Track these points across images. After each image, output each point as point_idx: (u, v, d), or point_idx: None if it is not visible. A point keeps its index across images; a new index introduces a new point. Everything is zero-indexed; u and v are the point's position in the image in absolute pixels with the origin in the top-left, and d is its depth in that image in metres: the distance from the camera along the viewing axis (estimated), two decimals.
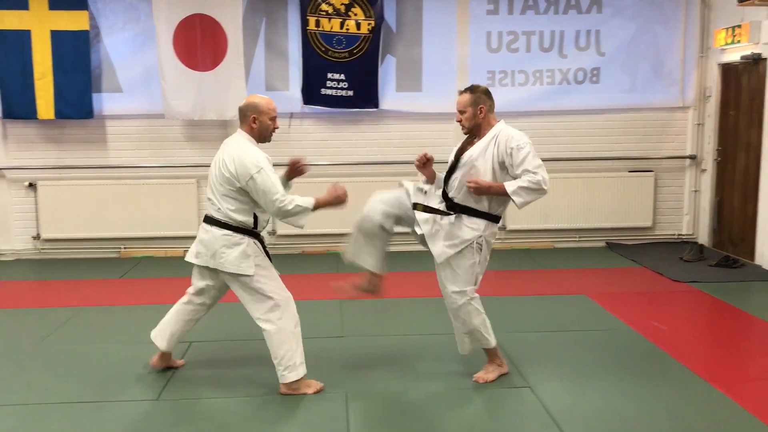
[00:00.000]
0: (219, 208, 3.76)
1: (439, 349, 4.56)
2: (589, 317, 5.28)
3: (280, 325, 3.77)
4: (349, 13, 7.02)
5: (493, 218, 3.92)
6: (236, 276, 3.77)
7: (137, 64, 7.20)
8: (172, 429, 3.49)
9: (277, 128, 3.98)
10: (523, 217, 7.65)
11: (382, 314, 5.36)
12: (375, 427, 3.47)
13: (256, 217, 3.81)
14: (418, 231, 3.99)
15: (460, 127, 3.98)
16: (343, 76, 7.15)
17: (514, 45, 7.43)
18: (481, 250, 3.88)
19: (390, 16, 7.25)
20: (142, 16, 7.11)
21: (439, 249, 3.89)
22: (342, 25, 7.05)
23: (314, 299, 5.75)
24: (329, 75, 7.15)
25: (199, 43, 6.96)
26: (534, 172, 3.74)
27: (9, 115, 7.01)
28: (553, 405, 3.69)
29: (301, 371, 3.80)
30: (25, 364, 4.33)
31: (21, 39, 6.85)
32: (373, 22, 7.05)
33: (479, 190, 3.80)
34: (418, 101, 7.42)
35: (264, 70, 7.30)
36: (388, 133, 7.47)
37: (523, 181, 3.75)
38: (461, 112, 3.91)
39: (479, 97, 3.87)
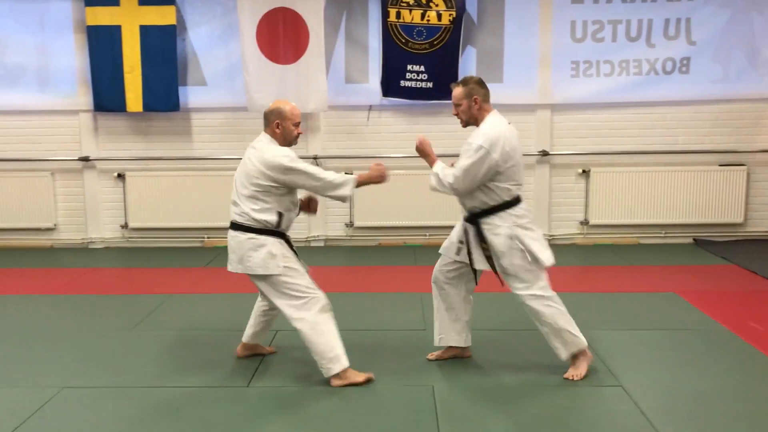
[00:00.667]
0: (242, 212, 3.81)
1: (523, 343, 4.48)
2: (680, 316, 5.08)
3: (313, 321, 3.77)
4: (431, 4, 6.96)
5: (508, 205, 3.84)
6: (265, 277, 3.79)
7: (221, 57, 7.35)
8: (262, 417, 3.54)
9: (300, 134, 4.02)
10: (607, 211, 7.48)
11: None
12: (464, 421, 3.42)
13: (281, 216, 3.83)
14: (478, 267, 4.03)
15: (459, 120, 3.98)
16: (422, 68, 7.11)
17: (599, 34, 7.21)
18: (521, 242, 3.79)
19: (471, 6, 7.15)
20: (226, 10, 7.25)
21: (483, 264, 3.95)
22: (423, 16, 7.00)
23: (392, 292, 5.77)
24: (409, 67, 7.12)
25: (282, 36, 7.04)
26: (454, 172, 3.79)
27: (100, 108, 7.27)
28: (647, 405, 3.56)
29: (344, 361, 3.80)
30: (119, 348, 4.47)
31: (112, 34, 7.08)
32: (454, 13, 6.97)
33: (418, 149, 4.04)
34: (499, 92, 7.21)
35: (344, 62, 7.34)
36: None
37: (444, 171, 3.85)
38: (456, 105, 3.92)
39: (472, 89, 3.87)
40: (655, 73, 7.23)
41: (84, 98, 7.36)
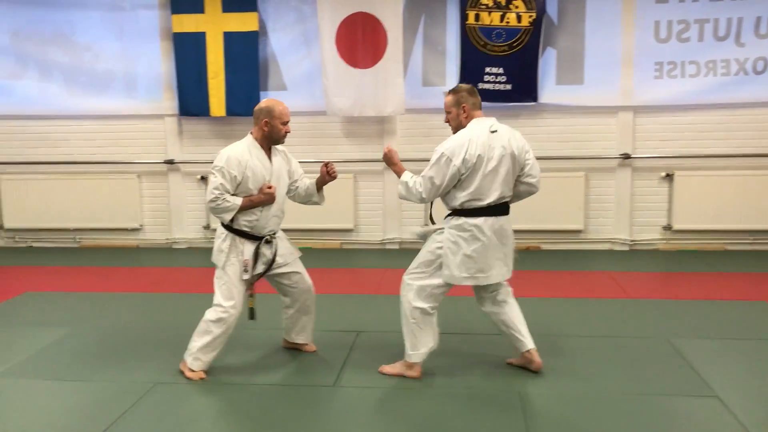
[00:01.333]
0: None
1: (611, 350, 4.39)
2: None
3: (207, 321, 3.98)
4: (510, 6, 6.90)
5: (457, 212, 3.89)
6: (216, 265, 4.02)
7: (301, 62, 7.48)
8: (349, 415, 3.58)
9: (288, 132, 4.04)
10: (692, 216, 7.25)
11: (547, 312, 5.23)
12: (554, 429, 3.37)
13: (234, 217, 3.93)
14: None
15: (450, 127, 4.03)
16: (501, 70, 7.05)
17: (684, 34, 7.00)
18: (453, 242, 3.86)
19: (551, 7, 7.06)
20: (306, 16, 7.37)
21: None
22: (502, 18, 6.94)
23: (466, 296, 5.72)
24: (487, 69, 7.08)
25: (360, 40, 7.11)
26: (420, 178, 3.89)
27: (184, 112, 7.50)
28: (747, 419, 3.42)
29: (195, 365, 3.97)
30: None
31: (197, 41, 7.30)
32: (534, 15, 6.89)
33: (385, 158, 4.16)
34: (580, 94, 7.18)
35: (421, 66, 7.35)
36: (547, 127, 7.29)
37: (413, 179, 3.93)
38: (447, 113, 4.04)
39: (461, 97, 3.96)
40: (744, 74, 6.96)
41: (169, 103, 7.62)
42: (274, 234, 4.09)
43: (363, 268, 6.81)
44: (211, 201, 3.88)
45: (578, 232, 7.42)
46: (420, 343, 3.95)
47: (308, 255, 7.32)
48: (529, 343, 4.04)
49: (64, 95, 7.75)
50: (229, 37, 7.26)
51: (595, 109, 7.20)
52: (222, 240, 4.00)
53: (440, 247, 3.93)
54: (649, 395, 3.73)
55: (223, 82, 7.32)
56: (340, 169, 7.39)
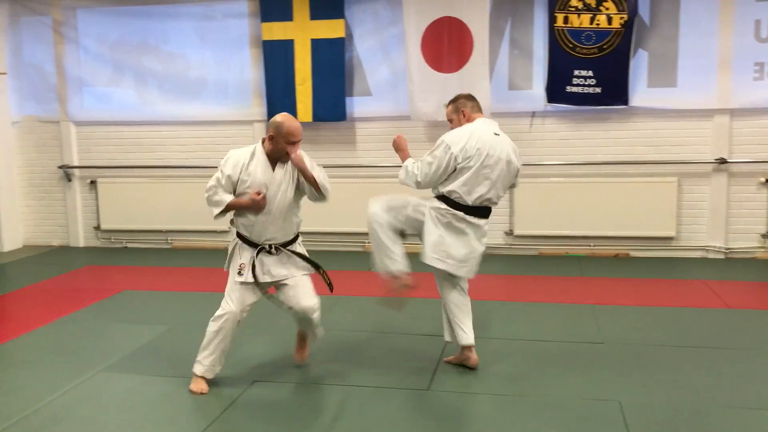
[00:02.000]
0: None
1: (717, 361, 4.22)
2: None
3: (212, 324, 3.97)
4: (600, 8, 6.75)
5: (440, 198, 4.02)
6: None
7: (386, 67, 7.53)
8: (442, 421, 3.57)
9: (289, 154, 3.91)
10: None
11: (640, 321, 5.08)
12: None
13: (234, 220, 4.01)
14: None
15: None
16: (590, 73, 6.91)
17: None
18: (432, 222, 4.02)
19: (644, 8, 6.86)
20: (391, 21, 7.41)
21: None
22: (592, 20, 6.80)
23: (559, 302, 5.62)
24: (576, 72, 6.94)
25: (446, 45, 7.10)
26: (419, 162, 4.02)
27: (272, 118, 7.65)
28: None
29: (198, 370, 3.96)
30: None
31: (285, 48, 7.45)
32: (625, 16, 6.71)
33: (394, 144, 4.38)
34: (673, 97, 6.95)
35: (507, 69, 7.28)
36: (638, 131, 7.08)
37: (412, 164, 4.08)
38: (449, 121, 4.17)
39: (460, 103, 4.13)
40: None
41: (258, 109, 7.80)
42: (279, 245, 3.98)
43: None
44: (206, 191, 4.02)
45: (670, 239, 7.18)
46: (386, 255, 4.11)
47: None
48: (469, 338, 4.09)
49: (158, 102, 8.06)
50: (317, 44, 7.38)
51: (688, 113, 6.95)
52: (231, 243, 4.10)
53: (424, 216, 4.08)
54: (761, 409, 3.56)
55: (310, 88, 7.45)
56: None
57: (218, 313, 3.96)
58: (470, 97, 4.17)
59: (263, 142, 3.98)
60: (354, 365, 4.31)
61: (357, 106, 7.61)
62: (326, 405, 3.78)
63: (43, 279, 6.76)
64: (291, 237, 4.06)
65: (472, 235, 4.01)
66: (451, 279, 4.14)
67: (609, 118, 7.12)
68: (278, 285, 4.03)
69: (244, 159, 3.94)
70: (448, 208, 3.98)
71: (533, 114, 7.27)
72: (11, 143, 8.29)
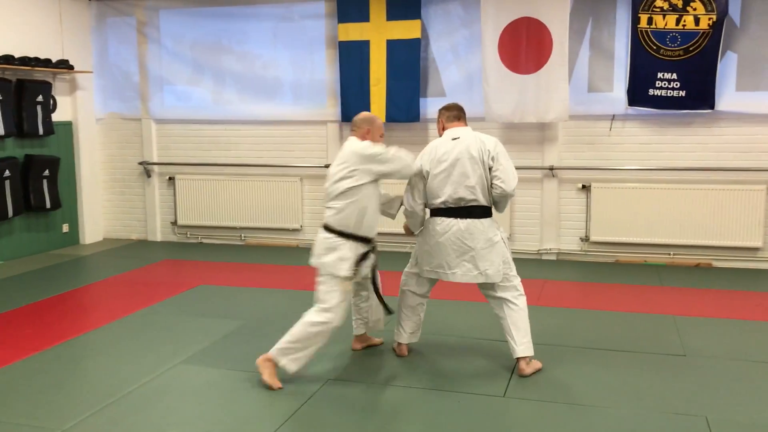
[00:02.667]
0: (327, 215, 4.04)
1: None
2: None
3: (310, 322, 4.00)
4: (687, 9, 6.52)
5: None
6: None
7: (461, 68, 7.47)
8: (517, 428, 3.49)
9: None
10: None
11: (727, 334, 4.87)
12: None
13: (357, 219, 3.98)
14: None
15: None
16: (674, 76, 6.67)
17: None
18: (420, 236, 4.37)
19: (734, 9, 6.59)
20: (468, 22, 7.34)
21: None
22: (678, 21, 6.57)
23: (638, 312, 5.44)
24: (659, 74, 6.71)
25: (524, 46, 6.98)
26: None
27: (346, 118, 7.69)
28: None
29: (291, 367, 3.96)
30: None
31: (361, 49, 7.48)
32: (714, 17, 6.46)
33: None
34: (763, 101, 6.65)
35: (587, 71, 7.11)
36: (724, 136, 6.80)
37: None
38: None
39: (439, 113, 4.40)
40: None
41: (332, 109, 7.85)
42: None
43: (520, 278, 6.65)
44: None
45: (756, 249, 6.87)
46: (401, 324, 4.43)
47: None
48: (518, 351, 4.10)
49: (235, 101, 8.22)
50: (392, 45, 7.38)
51: None
52: (329, 242, 4.09)
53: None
54: None
55: (385, 89, 7.45)
56: None
57: (322, 319, 3.96)
58: (450, 107, 4.38)
59: (365, 137, 4.14)
60: (426, 368, 4.28)
61: (431, 106, 7.55)
62: (400, 407, 3.76)
63: (122, 272, 6.98)
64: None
65: (450, 239, 4.09)
66: (485, 289, 4.25)
67: (693, 123, 6.86)
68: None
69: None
70: (428, 217, 4.27)
71: (613, 117, 7.08)
72: (95, 139, 8.60)
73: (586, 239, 7.32)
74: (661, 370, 4.19)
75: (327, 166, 7.93)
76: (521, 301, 4.17)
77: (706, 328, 5.00)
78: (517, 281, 4.21)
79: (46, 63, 7.62)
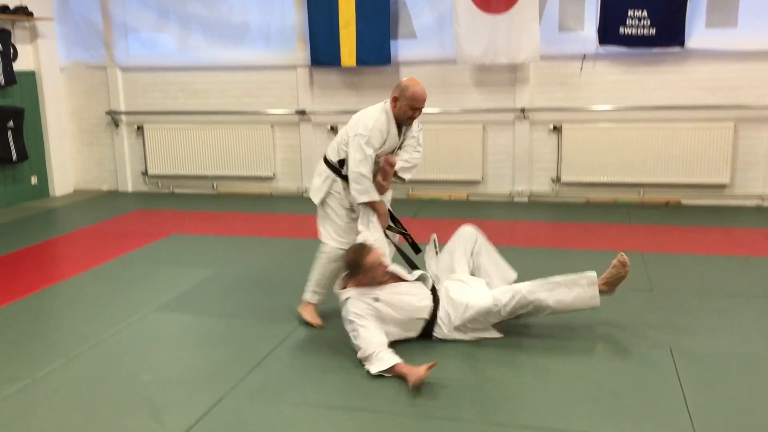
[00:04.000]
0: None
1: (755, 310, 4.13)
2: None
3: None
4: None
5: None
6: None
7: (432, 10, 7.34)
8: (493, 371, 3.56)
9: (413, 118, 3.88)
10: None
11: (693, 269, 4.98)
12: (708, 387, 3.22)
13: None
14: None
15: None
16: (645, 13, 6.63)
17: None
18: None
19: None
20: None
21: None
22: None
23: (608, 250, 5.52)
24: (630, 12, 6.67)
25: None
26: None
27: (316, 62, 7.58)
28: None
29: (308, 297, 4.08)
30: None
31: None
32: None
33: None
34: (732, 38, 6.65)
35: (558, 10, 7.04)
36: (694, 74, 6.82)
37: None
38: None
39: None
40: None
41: (301, 54, 7.71)
42: None
43: (491, 220, 6.71)
44: (352, 178, 3.87)
45: (723, 186, 6.97)
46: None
47: (434, 206, 7.36)
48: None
49: (202, 47, 8.03)
50: None
51: (749, 54, 6.64)
52: (328, 180, 4.08)
53: None
54: None
55: (354, 31, 7.32)
56: (469, 119, 7.40)
57: (321, 250, 4.05)
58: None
59: (391, 103, 3.87)
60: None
61: (401, 49, 7.47)
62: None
63: (93, 223, 6.92)
64: None
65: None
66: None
67: (664, 61, 6.86)
68: None
69: (384, 124, 3.87)
70: None
71: (584, 57, 7.05)
72: (60, 89, 8.40)
73: (557, 180, 7.37)
74: (628, 305, 4.27)
75: (298, 112, 7.85)
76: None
77: (672, 264, 5.11)
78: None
79: (4, 10, 7.38)
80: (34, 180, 8.16)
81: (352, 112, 7.51)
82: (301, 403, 3.17)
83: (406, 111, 3.83)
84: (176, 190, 8.46)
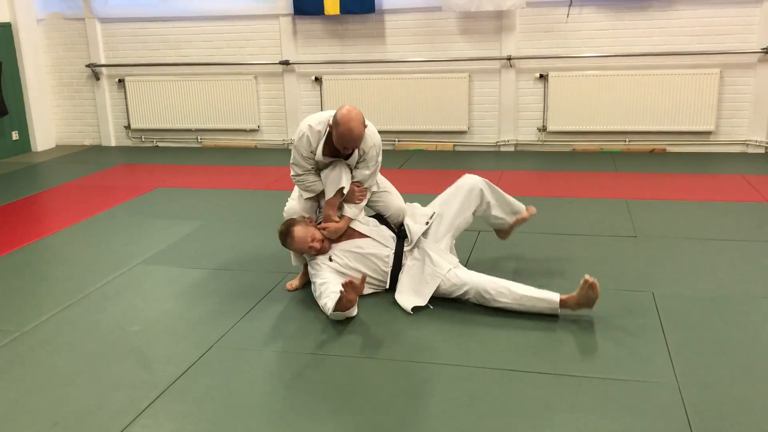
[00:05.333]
0: None
1: (754, 253, 4.19)
2: None
3: None
4: None
5: None
6: None
7: None
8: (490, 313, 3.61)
9: (348, 154, 3.65)
10: None
11: (676, 215, 5.02)
12: (689, 327, 3.28)
13: None
14: None
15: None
16: None
17: None
18: None
19: None
20: None
21: None
22: None
23: (593, 197, 5.57)
24: None
25: None
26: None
27: (299, 11, 7.44)
28: None
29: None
30: None
31: None
32: None
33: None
34: None
35: None
36: (680, 20, 6.76)
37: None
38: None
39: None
40: None
41: (284, 2, 7.56)
42: None
43: (478, 170, 6.68)
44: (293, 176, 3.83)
45: (708, 133, 6.99)
46: None
47: (420, 157, 7.34)
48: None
49: None
50: None
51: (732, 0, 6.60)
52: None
53: None
54: None
55: None
56: (454, 68, 7.33)
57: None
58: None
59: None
60: None
61: None
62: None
63: (77, 177, 6.86)
64: None
65: None
66: None
67: (650, 7, 6.79)
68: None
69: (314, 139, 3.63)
70: None
71: (570, 3, 6.96)
72: (38, 41, 8.22)
73: (543, 129, 7.35)
74: (612, 251, 4.33)
75: (282, 63, 7.74)
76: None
77: (656, 211, 5.15)
78: None
79: None
80: (15, 135, 8.05)
81: (337, 62, 7.62)
82: (289, 351, 3.20)
83: (338, 143, 3.55)
84: (160, 144, 8.38)
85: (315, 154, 3.64)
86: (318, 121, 3.65)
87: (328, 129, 3.58)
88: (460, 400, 2.74)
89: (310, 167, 3.71)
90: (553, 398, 2.73)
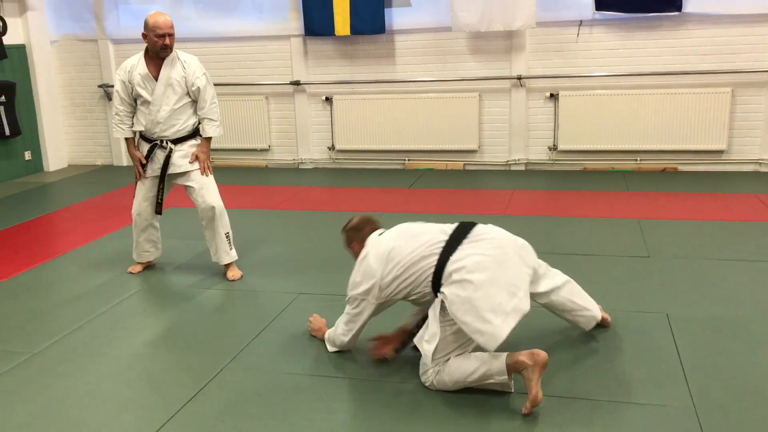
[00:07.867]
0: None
1: (750, 274, 4.14)
2: None
3: None
4: None
5: None
6: None
7: None
8: None
9: (166, 45, 4.19)
10: None
11: (689, 235, 4.98)
12: (703, 349, 3.23)
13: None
14: None
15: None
16: None
17: None
18: None
19: None
20: None
21: None
22: None
23: (605, 217, 5.53)
24: None
25: None
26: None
27: (310, 32, 7.49)
28: None
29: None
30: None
31: None
32: None
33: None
34: (730, 2, 6.58)
35: None
36: (691, 39, 6.75)
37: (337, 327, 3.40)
38: (171, 35, 4.26)
39: (350, 237, 3.34)
40: None
41: (295, 23, 7.62)
42: (167, 141, 4.39)
43: (488, 189, 6.70)
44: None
45: (720, 152, 6.95)
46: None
47: (431, 176, 7.33)
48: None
49: (194, 18, 7.93)
50: None
51: (747, 18, 6.58)
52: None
53: None
54: None
55: (348, 0, 7.22)
56: (465, 88, 7.34)
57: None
58: (357, 227, 3.31)
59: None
60: None
61: (396, 17, 7.39)
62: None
63: (89, 197, 6.89)
64: (183, 134, 4.43)
65: None
66: None
67: (660, 26, 6.79)
68: (185, 187, 4.51)
69: (132, 64, 4.29)
70: None
71: (581, 23, 6.97)
72: (51, 62, 8.31)
73: (554, 148, 7.34)
74: (625, 272, 4.29)
75: (293, 83, 7.78)
76: None
77: (669, 230, 5.11)
78: None
79: None
80: (27, 155, 8.11)
81: (348, 82, 7.65)
82: (302, 373, 3.18)
83: (155, 41, 4.15)
84: None
85: (132, 75, 4.25)
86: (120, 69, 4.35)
87: (141, 54, 4.26)
88: (469, 426, 2.71)
89: (129, 111, 4.38)
90: (567, 423, 2.69)
